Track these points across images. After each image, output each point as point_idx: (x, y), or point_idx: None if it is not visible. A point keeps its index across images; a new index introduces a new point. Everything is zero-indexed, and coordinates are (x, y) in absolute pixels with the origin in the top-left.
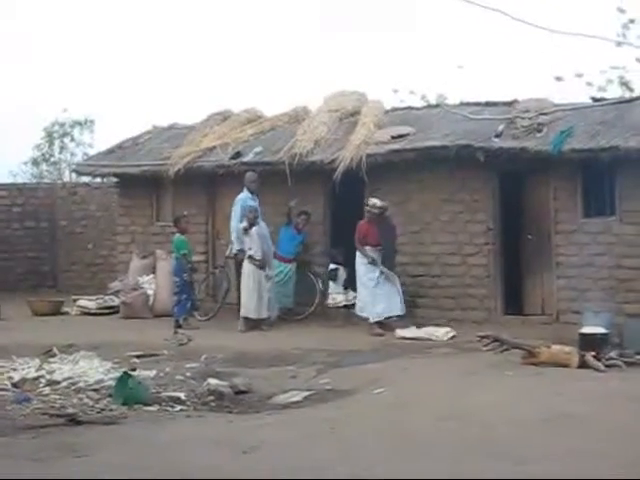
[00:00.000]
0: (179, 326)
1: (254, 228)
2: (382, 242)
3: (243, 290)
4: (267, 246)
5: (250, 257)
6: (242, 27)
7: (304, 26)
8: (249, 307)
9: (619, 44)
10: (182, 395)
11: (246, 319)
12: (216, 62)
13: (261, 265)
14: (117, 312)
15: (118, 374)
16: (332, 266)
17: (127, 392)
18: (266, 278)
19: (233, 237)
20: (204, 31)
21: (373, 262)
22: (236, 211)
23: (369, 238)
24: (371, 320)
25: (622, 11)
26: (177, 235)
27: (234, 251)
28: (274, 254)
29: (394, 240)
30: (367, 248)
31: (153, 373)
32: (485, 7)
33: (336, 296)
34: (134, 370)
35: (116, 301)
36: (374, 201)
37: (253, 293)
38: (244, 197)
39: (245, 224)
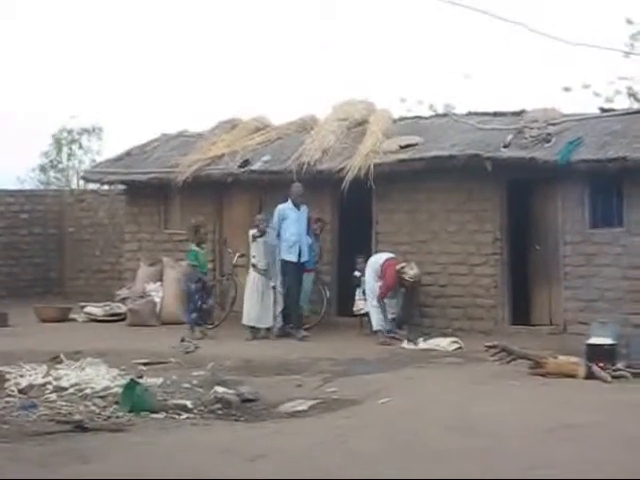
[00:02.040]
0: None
1: (262, 239)
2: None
3: (246, 298)
4: (274, 257)
5: (253, 265)
6: (251, 36)
7: (312, 35)
8: (250, 315)
9: (627, 55)
10: (189, 403)
11: (252, 328)
12: (225, 70)
13: (265, 274)
14: (124, 319)
15: (125, 381)
16: (357, 274)
17: (134, 399)
18: (272, 288)
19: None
20: (213, 39)
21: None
22: (274, 222)
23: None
24: (374, 328)
25: (630, 22)
26: (192, 246)
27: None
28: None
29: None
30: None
31: (160, 381)
32: (496, 17)
33: (359, 303)
34: (141, 377)
35: (123, 308)
36: (412, 273)
37: (256, 302)
38: (283, 207)
39: (255, 231)
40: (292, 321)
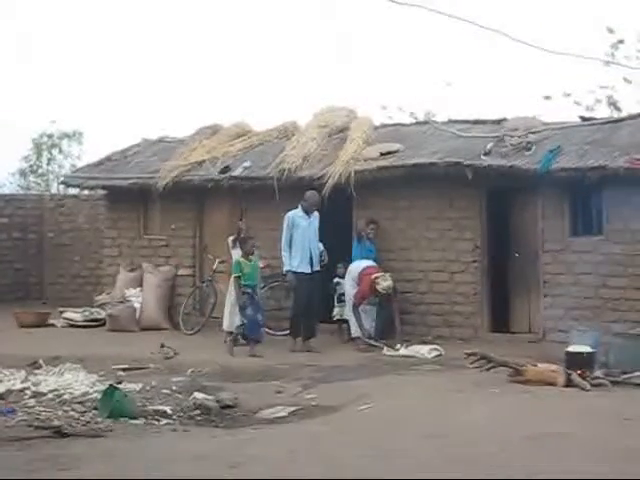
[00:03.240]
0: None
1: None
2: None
3: (226, 304)
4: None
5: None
6: (232, 41)
7: (293, 41)
8: (231, 321)
9: (607, 64)
10: (168, 409)
11: (232, 334)
12: (206, 76)
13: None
14: (103, 325)
15: (104, 387)
16: (336, 280)
17: (113, 405)
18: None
19: (283, 256)
20: (194, 44)
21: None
22: (284, 230)
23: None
24: (353, 335)
25: (611, 31)
26: (236, 257)
27: (283, 271)
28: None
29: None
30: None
31: (139, 386)
32: (479, 25)
33: (335, 309)
34: (120, 383)
35: (103, 314)
36: (385, 285)
37: (235, 307)
38: (292, 215)
39: (234, 236)
40: (295, 332)
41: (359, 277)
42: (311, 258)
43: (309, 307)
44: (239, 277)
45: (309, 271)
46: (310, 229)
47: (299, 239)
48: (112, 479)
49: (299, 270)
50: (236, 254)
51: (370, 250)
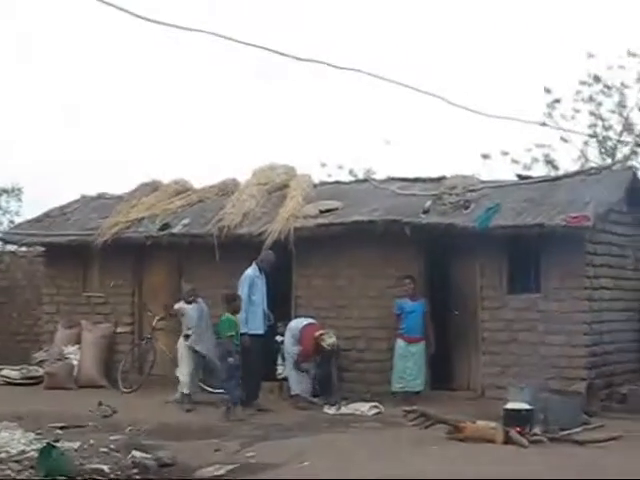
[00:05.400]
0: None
1: (190, 306)
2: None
3: (181, 365)
4: (205, 324)
5: (186, 336)
6: (172, 99)
7: (233, 99)
8: (186, 383)
9: (544, 124)
10: (106, 468)
11: (188, 395)
12: (146, 133)
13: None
14: (41, 382)
15: (41, 445)
16: (278, 338)
17: (50, 464)
18: (202, 358)
19: (241, 317)
20: (134, 101)
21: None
22: (244, 290)
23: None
24: (293, 392)
25: (548, 91)
26: (226, 315)
27: (240, 331)
28: (402, 336)
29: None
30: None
31: (77, 445)
32: (418, 90)
33: (279, 367)
34: (57, 441)
35: (40, 371)
36: (330, 342)
37: (189, 369)
38: (252, 275)
39: (181, 304)
40: (249, 400)
41: (300, 334)
42: (263, 318)
43: (258, 368)
44: (232, 336)
45: (263, 332)
46: (264, 288)
47: (257, 300)
48: None
49: (256, 332)
50: (187, 318)
51: (416, 308)
